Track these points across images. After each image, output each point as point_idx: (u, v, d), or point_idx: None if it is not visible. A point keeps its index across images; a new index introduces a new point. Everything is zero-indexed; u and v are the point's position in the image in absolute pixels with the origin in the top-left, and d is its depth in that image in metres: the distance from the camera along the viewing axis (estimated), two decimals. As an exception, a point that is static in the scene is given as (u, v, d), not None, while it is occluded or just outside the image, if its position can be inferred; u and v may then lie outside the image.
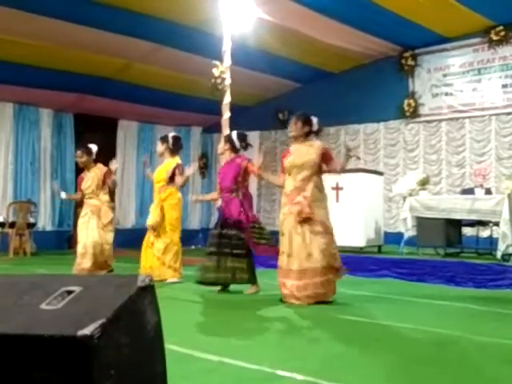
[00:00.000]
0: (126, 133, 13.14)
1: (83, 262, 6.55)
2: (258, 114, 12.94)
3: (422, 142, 11.87)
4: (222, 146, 5.77)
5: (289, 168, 4.95)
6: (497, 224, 8.66)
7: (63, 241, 11.53)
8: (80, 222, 6.80)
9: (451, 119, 11.51)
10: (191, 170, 6.49)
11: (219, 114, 8.82)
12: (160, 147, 6.53)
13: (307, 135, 5.01)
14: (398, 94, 11.88)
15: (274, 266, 5.14)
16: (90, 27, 8.77)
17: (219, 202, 8.91)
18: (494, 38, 10.73)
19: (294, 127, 4.99)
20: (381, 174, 11.15)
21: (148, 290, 1.65)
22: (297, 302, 4.70)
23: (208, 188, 14.34)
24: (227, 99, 8.65)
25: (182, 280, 6.26)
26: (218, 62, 8.53)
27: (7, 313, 1.53)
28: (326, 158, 4.91)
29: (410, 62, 11.85)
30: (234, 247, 5.32)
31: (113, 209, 6.95)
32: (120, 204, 12.76)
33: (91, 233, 6.58)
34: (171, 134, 6.65)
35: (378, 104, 12.02)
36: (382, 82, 11.97)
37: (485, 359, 3.05)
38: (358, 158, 11.78)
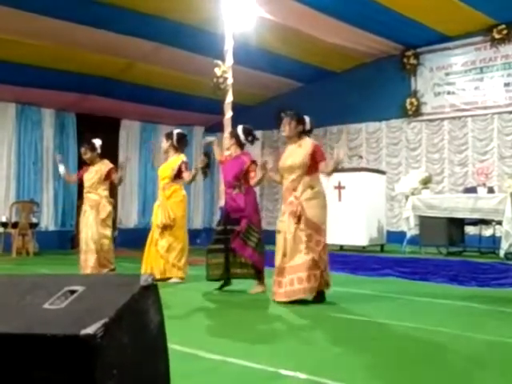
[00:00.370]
0: (129, 132, 13.14)
1: (87, 258, 6.54)
2: (260, 114, 12.90)
3: (424, 141, 11.85)
4: (227, 141, 5.76)
5: (280, 170, 5.01)
6: (499, 223, 8.65)
7: (66, 241, 11.54)
8: (81, 219, 6.81)
9: (453, 118, 11.49)
10: (199, 164, 6.47)
11: (221, 113, 8.82)
12: (165, 144, 6.52)
13: (300, 134, 5.00)
14: (400, 92, 11.86)
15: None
16: (91, 27, 8.77)
17: (222, 202, 8.92)
18: (497, 36, 10.71)
19: (288, 127, 4.98)
20: (383, 173, 11.14)
21: (151, 290, 1.65)
22: (285, 299, 4.70)
23: (210, 187, 14.35)
24: (229, 99, 8.65)
25: (185, 280, 6.25)
26: (220, 62, 8.53)
27: (10, 312, 1.53)
28: (316, 157, 4.89)
29: (412, 61, 11.83)
30: (231, 241, 5.33)
31: (112, 204, 6.90)
32: (122, 204, 12.77)
33: (90, 228, 6.57)
34: (176, 131, 6.62)
35: (380, 103, 12.00)
36: (384, 80, 11.96)
37: (487, 358, 3.05)
38: (360, 157, 11.86)
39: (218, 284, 5.52)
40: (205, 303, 5.02)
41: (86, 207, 6.74)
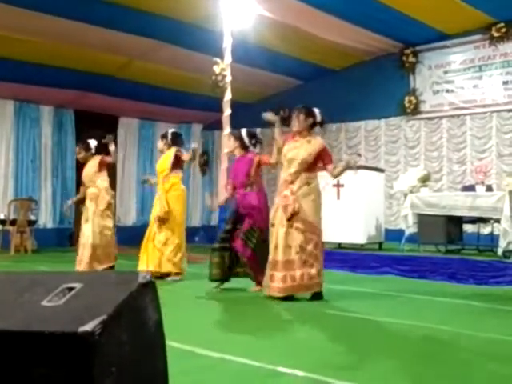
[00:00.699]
0: (127, 130, 13.13)
1: (83, 253, 6.54)
2: (259, 111, 12.85)
3: (422, 139, 11.86)
4: (231, 144, 5.73)
5: (282, 158, 4.97)
6: (498, 221, 8.66)
7: (64, 238, 11.53)
8: (83, 215, 6.81)
9: (452, 116, 11.49)
10: (195, 144, 6.49)
11: (220, 111, 8.82)
12: (160, 144, 6.57)
13: (311, 127, 4.98)
14: (398, 90, 11.86)
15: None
16: (90, 24, 8.76)
17: (220, 200, 8.92)
18: (495, 34, 10.71)
19: (297, 121, 4.94)
20: (382, 171, 11.14)
21: (149, 287, 1.65)
22: (278, 295, 4.71)
23: (209, 185, 14.34)
24: (228, 96, 8.65)
25: (183, 277, 6.25)
26: (218, 60, 8.53)
27: (8, 309, 1.53)
28: (322, 157, 4.88)
29: (411, 59, 11.83)
30: (230, 240, 5.34)
31: (112, 196, 6.90)
32: (121, 201, 12.76)
33: (90, 221, 6.57)
34: (170, 130, 6.68)
35: (379, 101, 12.00)
36: (382, 78, 11.96)
37: (486, 356, 3.05)
38: (359, 155, 11.84)
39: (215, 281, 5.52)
40: (203, 301, 5.02)
41: (87, 202, 6.76)
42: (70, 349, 1.36)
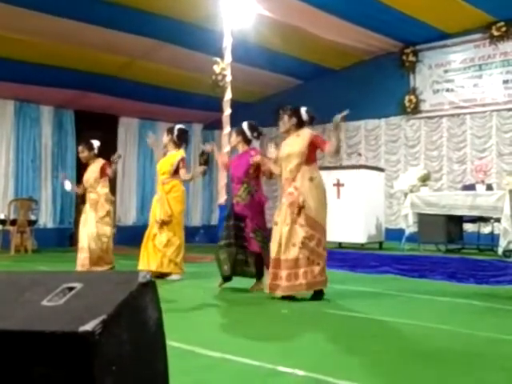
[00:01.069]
0: (127, 130, 13.13)
1: (81, 257, 6.56)
2: (259, 111, 12.85)
3: (423, 139, 11.86)
4: (233, 138, 5.71)
5: (280, 160, 5.01)
6: (498, 220, 8.66)
7: (64, 238, 11.54)
8: (81, 218, 6.83)
9: (452, 115, 11.49)
10: (200, 170, 6.46)
11: (220, 110, 8.83)
12: (165, 138, 6.53)
13: (298, 127, 4.99)
14: (398, 90, 11.86)
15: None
16: (90, 24, 8.77)
17: (221, 200, 8.93)
18: (495, 33, 10.71)
19: (281, 122, 5.00)
20: (382, 170, 11.13)
21: (149, 287, 1.65)
22: (281, 293, 4.71)
23: (209, 185, 14.34)
24: (228, 96, 8.66)
25: (184, 277, 6.25)
26: (218, 59, 8.53)
27: (8, 309, 1.53)
28: (316, 144, 4.88)
29: (411, 58, 11.83)
30: (244, 240, 5.34)
31: (112, 202, 6.90)
32: (121, 201, 12.76)
33: (88, 227, 6.58)
34: (178, 126, 6.63)
35: (379, 100, 12.00)
36: (382, 78, 11.96)
37: (487, 355, 3.05)
38: (359, 155, 11.85)
39: (215, 281, 5.52)
40: (203, 300, 5.02)
41: (86, 205, 6.78)
42: (70, 348, 1.36)
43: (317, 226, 4.76)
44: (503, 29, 10.62)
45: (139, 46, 9.82)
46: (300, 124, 4.99)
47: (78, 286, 1.59)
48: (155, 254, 6.20)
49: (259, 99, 13.49)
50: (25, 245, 10.06)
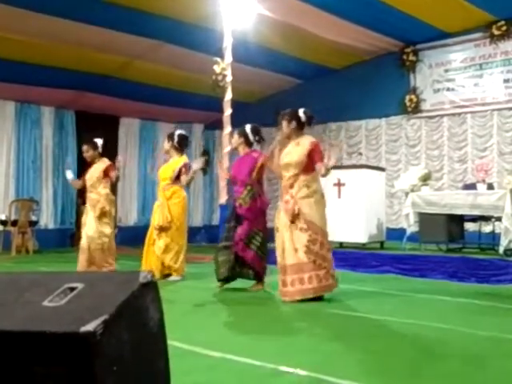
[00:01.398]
0: (128, 130, 13.13)
1: (82, 257, 6.55)
2: (260, 111, 12.89)
3: (423, 138, 11.85)
4: (235, 140, 5.69)
5: (279, 167, 5.01)
6: (499, 219, 8.65)
7: (65, 239, 11.54)
8: (83, 219, 6.83)
9: (453, 114, 11.48)
10: (197, 164, 6.46)
11: (220, 110, 8.82)
12: (166, 145, 6.53)
13: (299, 129, 4.99)
14: (399, 89, 11.86)
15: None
16: (90, 25, 8.76)
17: (221, 200, 8.92)
18: (496, 32, 10.70)
19: (281, 128, 5.01)
20: (383, 169, 11.13)
21: (150, 287, 1.65)
22: (290, 299, 4.70)
23: (210, 185, 14.35)
24: (228, 96, 8.65)
25: (184, 278, 6.25)
26: (219, 59, 8.52)
27: (10, 310, 1.53)
28: (313, 156, 4.86)
29: (412, 58, 11.82)
30: (234, 242, 5.33)
31: (113, 202, 6.90)
32: (122, 202, 12.76)
33: (88, 227, 6.58)
34: (178, 132, 6.62)
35: (380, 100, 12.00)
36: (383, 77, 11.95)
37: (488, 354, 3.05)
38: (360, 154, 11.85)
39: (216, 281, 5.52)
40: (204, 300, 5.02)
41: (87, 206, 6.77)
42: (71, 348, 1.36)
43: (317, 229, 4.77)
44: (504, 28, 10.61)
45: (139, 46, 9.82)
46: (300, 126, 4.99)
47: (79, 286, 1.60)
48: (155, 259, 6.21)
49: (260, 99, 13.49)
50: (26, 245, 10.06)
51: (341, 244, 10.27)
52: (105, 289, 1.58)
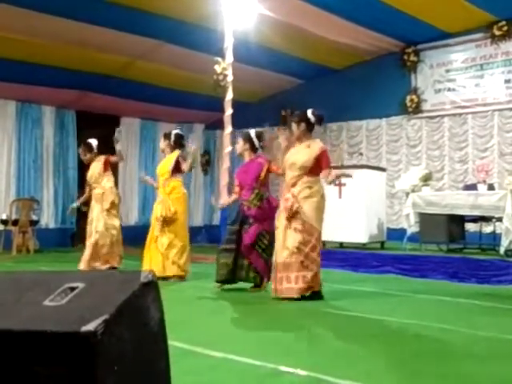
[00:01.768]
0: (129, 130, 13.12)
1: (86, 253, 6.54)
2: (260, 111, 12.91)
3: (424, 138, 11.85)
4: (240, 145, 5.67)
5: (284, 165, 5.03)
6: (500, 219, 8.65)
7: (66, 238, 11.55)
8: (89, 216, 6.82)
9: (454, 115, 11.48)
10: (194, 146, 6.45)
11: (221, 110, 8.82)
12: (162, 143, 6.55)
13: (309, 131, 5.00)
14: (400, 89, 11.85)
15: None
16: (92, 25, 8.76)
17: (222, 200, 8.92)
18: (497, 33, 10.69)
19: (291, 130, 5.04)
20: (383, 170, 11.13)
21: (151, 286, 1.65)
22: (281, 295, 4.75)
23: (210, 185, 14.35)
24: (229, 96, 8.65)
25: (187, 278, 6.24)
26: (220, 59, 8.53)
27: (10, 309, 1.53)
28: (320, 162, 4.89)
29: (413, 58, 11.81)
30: (241, 247, 5.33)
31: (118, 195, 6.91)
32: (123, 201, 12.72)
33: (95, 222, 6.57)
34: (174, 132, 6.63)
35: (381, 100, 11.99)
36: (384, 78, 11.94)
37: (487, 354, 3.05)
38: (361, 154, 11.84)
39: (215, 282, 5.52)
40: (205, 300, 5.03)
41: (92, 203, 6.78)
42: (72, 348, 1.37)
43: (313, 231, 4.78)
44: (505, 28, 10.61)
45: (140, 46, 9.82)
46: (309, 127, 5.00)
47: (80, 285, 1.60)
48: (157, 257, 6.17)
49: (260, 99, 13.49)
50: (27, 245, 10.06)
51: (341, 244, 10.28)
52: (105, 288, 1.58)
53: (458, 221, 9.49)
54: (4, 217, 10.26)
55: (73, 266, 6.66)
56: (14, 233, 9.96)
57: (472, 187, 9.48)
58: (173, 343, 1.92)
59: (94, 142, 6.95)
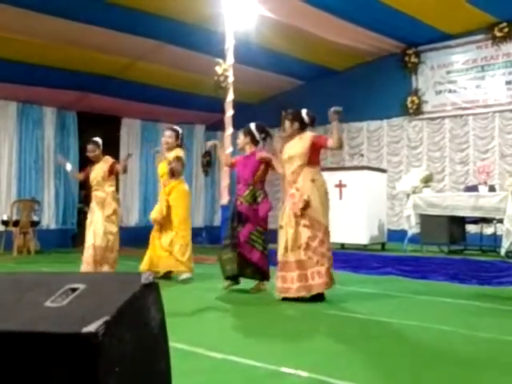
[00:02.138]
0: (130, 131, 13.14)
1: (87, 255, 6.54)
2: (261, 112, 12.89)
3: (425, 140, 11.85)
4: (241, 139, 5.66)
5: (283, 162, 5.06)
6: (501, 221, 8.64)
7: (67, 239, 11.54)
8: (88, 216, 6.82)
9: (455, 116, 11.48)
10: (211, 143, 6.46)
11: (222, 111, 8.82)
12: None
13: (301, 130, 5.02)
14: (401, 91, 11.86)
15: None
16: (93, 26, 8.77)
17: (223, 201, 8.92)
18: (498, 34, 10.70)
19: (284, 127, 5.08)
20: (384, 171, 11.13)
21: (152, 288, 1.65)
22: (292, 295, 4.71)
23: (211, 186, 14.35)
24: (230, 97, 8.65)
25: (193, 276, 6.23)
26: (220, 60, 8.53)
27: (11, 310, 1.53)
28: (319, 143, 4.91)
29: (414, 59, 11.82)
30: (238, 245, 5.33)
31: (118, 201, 6.91)
32: (123, 202, 12.75)
33: (95, 225, 6.58)
34: (180, 130, 6.63)
35: (381, 101, 12.00)
36: (385, 79, 11.95)
37: (489, 356, 3.05)
38: (362, 156, 11.85)
39: (218, 282, 5.52)
40: (206, 301, 5.02)
41: (93, 205, 6.77)
42: (73, 349, 1.37)
43: (320, 227, 4.78)
44: (506, 30, 10.61)
45: (141, 47, 9.83)
46: (302, 127, 5.02)
47: (80, 287, 1.60)
48: (162, 253, 6.19)
49: (261, 100, 13.49)
50: (27, 246, 10.06)
51: (342, 245, 10.27)
52: (106, 289, 1.58)
53: (458, 222, 9.48)
54: (5, 218, 10.26)
55: (74, 266, 6.66)
56: (15, 234, 9.96)
57: (473, 189, 9.48)
58: (173, 344, 1.92)
59: (99, 140, 6.97)
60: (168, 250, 6.16)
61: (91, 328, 1.36)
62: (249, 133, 5.60)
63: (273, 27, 9.52)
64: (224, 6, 8.56)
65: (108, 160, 6.86)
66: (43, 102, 11.44)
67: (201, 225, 13.89)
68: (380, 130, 12.43)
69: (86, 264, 6.51)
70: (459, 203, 8.94)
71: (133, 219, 12.96)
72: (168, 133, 6.52)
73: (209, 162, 14.36)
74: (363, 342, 3.41)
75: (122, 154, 12.47)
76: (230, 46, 8.62)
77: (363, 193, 9.91)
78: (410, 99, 11.81)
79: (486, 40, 10.90)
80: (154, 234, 6.35)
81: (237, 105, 8.86)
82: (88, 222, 6.76)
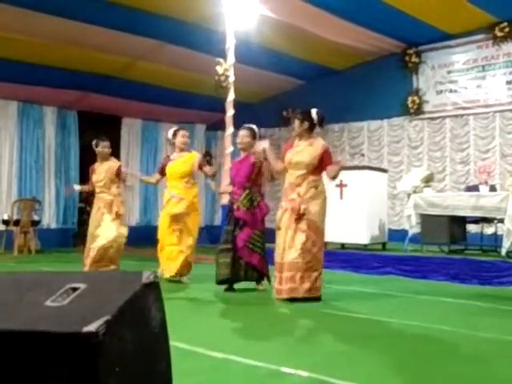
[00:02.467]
0: (130, 130, 13.14)
1: (92, 255, 6.47)
2: (262, 111, 12.91)
3: (426, 139, 11.84)
4: (247, 141, 5.52)
5: (287, 164, 5.02)
6: (501, 221, 8.64)
7: (68, 238, 11.54)
8: (92, 216, 6.72)
9: (455, 116, 11.48)
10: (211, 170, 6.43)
11: (223, 111, 8.82)
12: (186, 139, 6.42)
13: (310, 130, 5.01)
14: (401, 90, 11.85)
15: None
16: (93, 25, 8.77)
17: (223, 201, 8.91)
18: (499, 34, 10.70)
19: (294, 126, 5.05)
20: (385, 171, 11.13)
21: (153, 287, 1.65)
22: (285, 296, 4.72)
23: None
24: (231, 96, 8.65)
25: (190, 279, 6.22)
26: (221, 60, 8.53)
27: (12, 310, 1.53)
28: (324, 160, 4.90)
29: (414, 59, 11.81)
30: (237, 249, 5.32)
31: (123, 202, 6.88)
32: (124, 202, 12.75)
33: (105, 229, 6.47)
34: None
35: (382, 101, 11.99)
36: (385, 79, 11.95)
37: (489, 356, 3.05)
38: (362, 155, 11.84)
39: (215, 283, 5.51)
40: (206, 301, 5.02)
41: (98, 205, 6.65)
42: (74, 349, 1.37)
43: (318, 232, 4.80)
44: (506, 29, 10.61)
45: (142, 46, 9.83)
46: (311, 127, 5.01)
47: (81, 286, 1.60)
48: (179, 258, 6.01)
49: (262, 100, 13.49)
50: (28, 245, 10.06)
51: (343, 245, 10.28)
52: (107, 289, 1.58)
53: (459, 222, 9.48)
54: (5, 217, 10.26)
55: (74, 266, 6.66)
56: (16, 233, 9.96)
57: (474, 188, 9.47)
58: (174, 344, 1.92)
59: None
60: (186, 254, 6.01)
61: (92, 327, 1.36)
62: (254, 136, 5.54)
63: (273, 27, 9.52)
64: (225, 6, 8.56)
65: (115, 161, 6.82)
66: (44, 102, 11.44)
67: (201, 224, 13.86)
68: (381, 130, 12.42)
69: (93, 263, 6.44)
70: (460, 203, 8.94)
71: (133, 219, 12.95)
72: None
73: (209, 162, 14.33)
74: (363, 341, 3.41)
75: (123, 153, 12.49)
76: (230, 46, 8.62)
77: (364, 192, 9.91)
78: (410, 99, 11.81)
79: (487, 40, 10.90)
80: (162, 240, 6.16)
81: (237, 104, 8.86)
82: (94, 223, 6.61)
